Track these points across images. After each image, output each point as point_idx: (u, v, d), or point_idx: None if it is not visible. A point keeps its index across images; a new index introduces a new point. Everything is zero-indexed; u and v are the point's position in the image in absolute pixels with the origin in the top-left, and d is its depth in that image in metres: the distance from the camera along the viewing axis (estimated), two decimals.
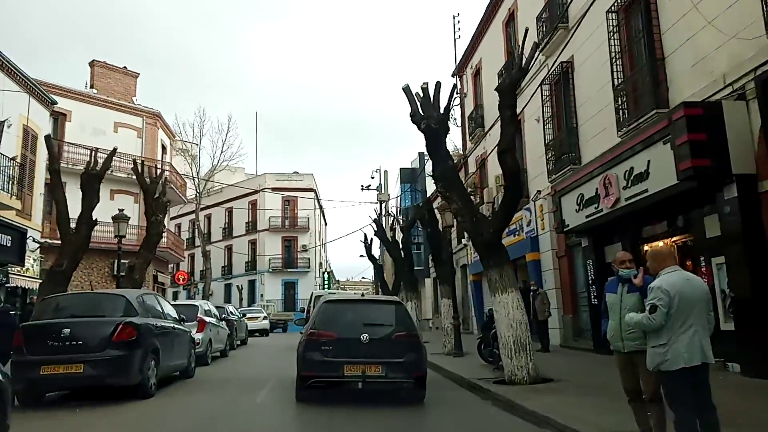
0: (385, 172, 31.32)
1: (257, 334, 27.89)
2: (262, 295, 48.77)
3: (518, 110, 18.43)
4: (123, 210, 17.15)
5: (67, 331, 7.45)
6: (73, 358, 7.35)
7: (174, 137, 33.33)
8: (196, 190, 48.92)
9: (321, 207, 57.17)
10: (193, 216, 53.66)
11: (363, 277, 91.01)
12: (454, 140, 28.83)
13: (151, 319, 8.56)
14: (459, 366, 11.81)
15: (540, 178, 16.36)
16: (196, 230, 49.93)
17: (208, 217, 55.56)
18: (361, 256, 68.13)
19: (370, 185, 29.87)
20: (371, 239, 27.06)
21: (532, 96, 14.49)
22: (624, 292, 4.91)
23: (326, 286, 52.74)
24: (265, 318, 27.03)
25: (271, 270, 48.64)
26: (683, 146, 8.52)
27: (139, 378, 7.80)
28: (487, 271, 9.65)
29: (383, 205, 29.67)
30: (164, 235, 30.15)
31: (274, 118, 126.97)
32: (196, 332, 12.26)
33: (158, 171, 18.30)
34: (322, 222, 59.51)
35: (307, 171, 51.62)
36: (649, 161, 9.57)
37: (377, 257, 28.03)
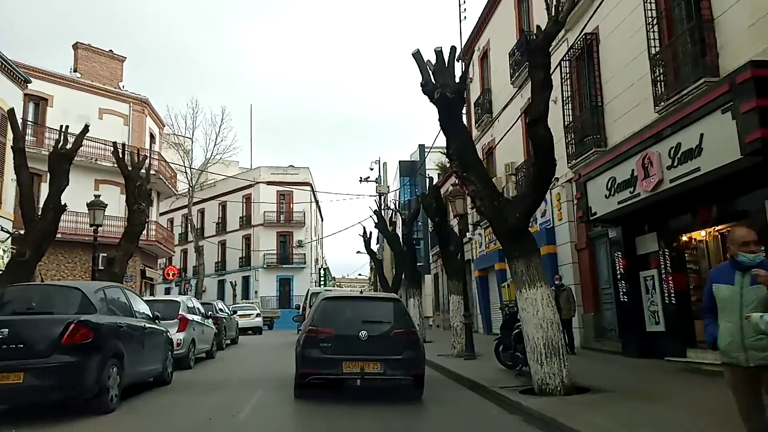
0: (384, 164, 29.99)
1: (250, 332, 26.58)
2: (256, 292, 47.36)
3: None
4: (100, 196, 15.66)
5: (5, 331, 6.02)
6: (10, 365, 5.90)
7: (163, 126, 31.84)
8: (189, 183, 47.52)
9: (317, 201, 55.75)
10: (185, 210, 52.29)
11: (360, 274, 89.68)
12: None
13: (113, 317, 7.13)
14: (473, 370, 10.45)
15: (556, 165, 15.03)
16: (189, 225, 48.47)
17: (201, 212, 54.09)
18: (358, 252, 66.51)
19: (369, 177, 28.54)
20: (370, 233, 25.71)
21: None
22: (745, 284, 3.50)
23: (322, 282, 51.35)
24: (258, 315, 25.64)
25: (265, 266, 47.21)
26: (750, 114, 7.16)
27: (95, 390, 6.36)
28: (512, 263, 8.26)
29: (383, 197, 28.30)
30: (153, 228, 28.77)
31: (270, 116, 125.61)
32: (177, 332, 10.86)
33: (142, 156, 16.82)
34: (318, 217, 58.11)
35: (303, 165, 50.36)
36: (702, 135, 8.20)
37: (376, 252, 26.61)
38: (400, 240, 21.48)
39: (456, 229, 14.88)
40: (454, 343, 13.41)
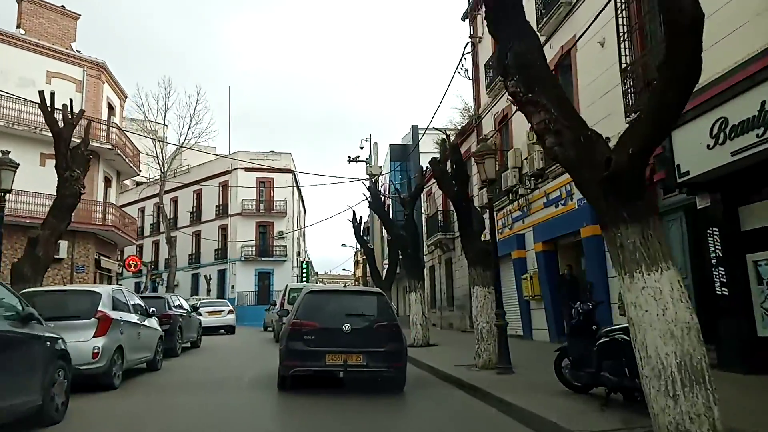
0: (375, 144, 26.69)
1: (223, 331, 23.17)
2: (233, 287, 43.85)
3: (563, 42, 13.78)
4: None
5: None
6: None
7: (125, 98, 28.15)
8: (160, 169, 43.87)
9: (299, 190, 52.25)
10: (157, 199, 48.63)
11: (344, 269, 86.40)
12: (463, 96, 24.21)
13: None
14: (523, 394, 7.21)
15: (604, 124, 11.91)
16: (160, 214, 44.77)
17: (175, 201, 50.34)
18: (344, 245, 63.04)
19: (358, 156, 25.26)
20: (361, 218, 22.46)
21: (594, 18, 9.81)
22: None
23: (304, 278, 47.96)
24: (230, 312, 22.25)
25: (243, 258, 43.68)
26: None
27: None
28: (615, 232, 5.04)
29: (374, 179, 25.07)
30: (111, 211, 25.21)
31: (251, 110, 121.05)
32: (94, 336, 7.50)
33: (76, 112, 13.32)
34: (301, 208, 54.64)
35: (285, 150, 46.83)
36: None
37: (367, 240, 23.38)
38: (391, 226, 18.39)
39: (480, 199, 11.68)
40: (478, 351, 10.21)
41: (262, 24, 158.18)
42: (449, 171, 11.17)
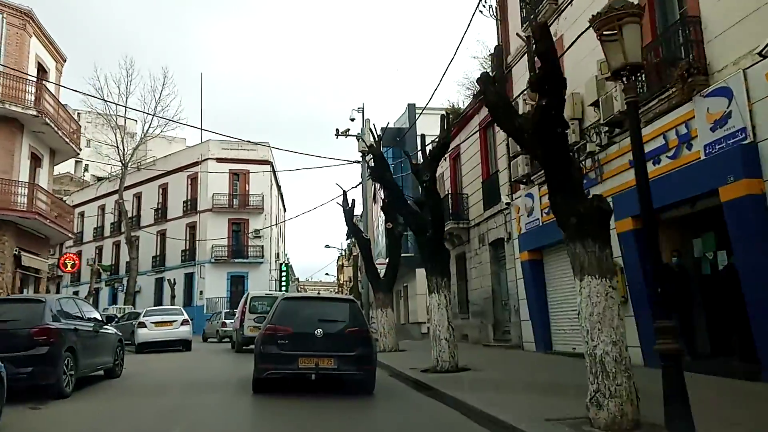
0: (368, 119, 21.98)
1: (181, 347, 17.85)
2: (201, 292, 38.77)
3: None
4: None
5: None
6: None
7: (63, 61, 23.10)
8: (121, 160, 38.81)
9: (278, 184, 47.33)
10: (118, 196, 43.61)
11: (327, 273, 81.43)
12: (482, 37, 19.88)
13: None
14: None
15: (734, 33, 7.51)
16: (119, 210, 39.61)
17: (138, 197, 45.12)
18: (327, 246, 58.30)
19: (348, 130, 20.58)
20: (353, 201, 17.83)
21: None
22: None
23: (283, 282, 43.03)
24: (185, 323, 17.18)
25: (214, 260, 38.62)
26: None
27: None
28: None
29: (367, 158, 20.44)
30: (37, 195, 20.23)
31: (226, 110, 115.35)
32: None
33: None
34: (281, 205, 49.69)
35: (263, 140, 41.82)
36: None
37: (362, 231, 18.65)
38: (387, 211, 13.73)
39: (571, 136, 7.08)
40: (597, 396, 5.46)
41: (234, 23, 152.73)
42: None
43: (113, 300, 44.66)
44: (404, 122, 31.64)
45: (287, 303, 8.74)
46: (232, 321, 27.38)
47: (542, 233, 12.85)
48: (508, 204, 14.90)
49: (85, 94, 34.27)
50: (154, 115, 32.07)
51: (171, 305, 36.85)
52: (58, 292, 53.42)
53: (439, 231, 10.90)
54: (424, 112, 23.25)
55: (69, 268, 23.12)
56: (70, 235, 22.55)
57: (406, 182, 30.42)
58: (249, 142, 41.07)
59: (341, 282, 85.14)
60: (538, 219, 13.04)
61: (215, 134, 41.00)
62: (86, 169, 65.25)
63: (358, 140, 20.71)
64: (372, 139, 20.22)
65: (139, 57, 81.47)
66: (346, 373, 8.02)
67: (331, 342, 7.91)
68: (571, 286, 11.83)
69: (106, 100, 32.64)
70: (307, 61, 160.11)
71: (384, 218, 17.38)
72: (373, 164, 11.87)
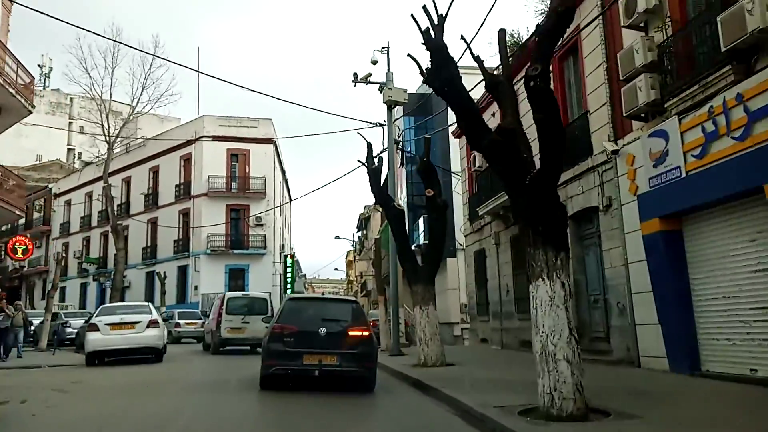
0: (391, 73, 17.27)
1: (152, 355, 13.27)
2: (196, 287, 34.33)
3: None
4: None
5: None
6: None
7: (10, 2, 18.52)
8: (107, 140, 34.45)
9: (282, 170, 42.78)
10: (103, 180, 39.35)
11: (336, 269, 76.92)
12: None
13: None
14: None
15: None
16: (105, 196, 35.25)
17: (127, 182, 40.76)
18: (337, 237, 53.64)
19: (370, 75, 15.91)
20: (379, 159, 13.22)
21: None
22: None
23: (288, 276, 38.56)
24: (154, 324, 12.48)
25: (210, 251, 34.15)
26: None
27: None
28: None
29: (393, 110, 15.85)
30: None
31: (227, 93, 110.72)
32: None
33: None
34: (285, 190, 45.13)
35: (264, 116, 36.98)
36: None
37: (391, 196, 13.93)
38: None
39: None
40: None
41: (240, 30, 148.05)
42: None
43: (101, 296, 40.24)
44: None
45: (293, 303, 9.31)
46: (187, 322, 24.15)
47: (687, 189, 8.20)
48: (612, 154, 10.21)
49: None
50: (154, 56, 27.38)
51: (160, 302, 32.55)
52: (44, 286, 49.33)
53: (555, 166, 6.20)
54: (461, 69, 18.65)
55: (19, 255, 18.63)
56: (14, 211, 17.98)
57: (433, 156, 25.76)
58: (249, 118, 36.72)
59: (351, 279, 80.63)
60: (679, 168, 8.37)
61: (213, 114, 36.17)
62: (79, 157, 61.14)
63: (382, 90, 16.07)
64: (394, 87, 15.65)
65: (129, 29, 76.39)
66: (347, 370, 8.27)
67: (334, 340, 8.22)
68: (743, 268, 7.23)
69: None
70: (311, 27, 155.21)
71: (422, 185, 12.78)
72: (431, 64, 7.22)
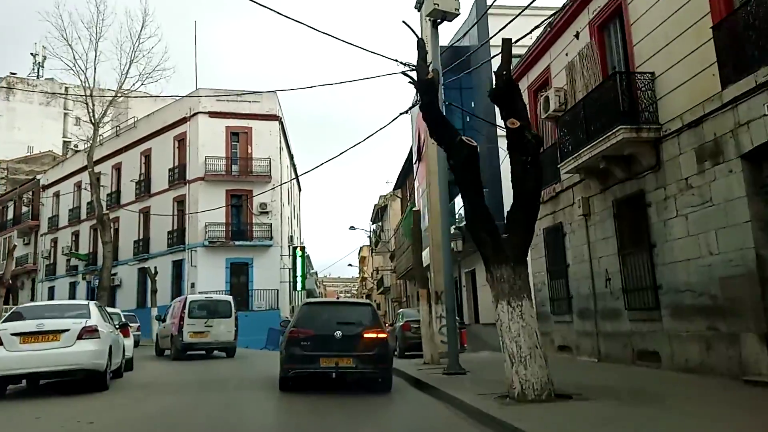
0: None
1: (91, 382, 8.81)
2: (192, 284, 29.95)
3: None
4: None
5: None
6: None
7: None
8: (91, 120, 30.33)
9: (290, 152, 38.31)
10: (96, 168, 35.27)
11: (350, 264, 72.47)
12: None
13: None
14: None
15: None
16: (90, 183, 31.09)
17: (117, 168, 36.57)
18: (352, 228, 49.08)
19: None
20: (434, 70, 8.63)
21: None
22: None
23: (299, 272, 34.15)
24: (89, 334, 8.08)
25: (208, 243, 29.80)
26: None
27: None
28: None
29: (438, 23, 11.37)
30: None
31: (229, 68, 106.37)
32: None
33: None
34: (292, 175, 40.65)
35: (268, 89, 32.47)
36: None
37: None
38: None
39: None
40: None
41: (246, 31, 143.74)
42: None
43: (91, 297, 36.00)
44: (470, 41, 22.49)
45: (309, 308, 9.56)
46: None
47: None
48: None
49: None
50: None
51: (151, 302, 28.26)
52: (33, 286, 45.41)
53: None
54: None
55: None
56: None
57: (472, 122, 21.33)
58: (251, 92, 32.29)
59: (365, 275, 76.25)
60: None
61: (211, 88, 31.78)
62: (75, 148, 57.24)
63: (420, 6, 11.57)
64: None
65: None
66: (363, 371, 8.52)
67: (349, 343, 8.40)
68: None
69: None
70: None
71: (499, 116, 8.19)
72: None
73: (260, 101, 31.81)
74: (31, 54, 66.09)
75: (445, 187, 11.48)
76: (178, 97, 32.29)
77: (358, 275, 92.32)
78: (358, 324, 8.71)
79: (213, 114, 31.00)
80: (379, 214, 51.23)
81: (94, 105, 30.56)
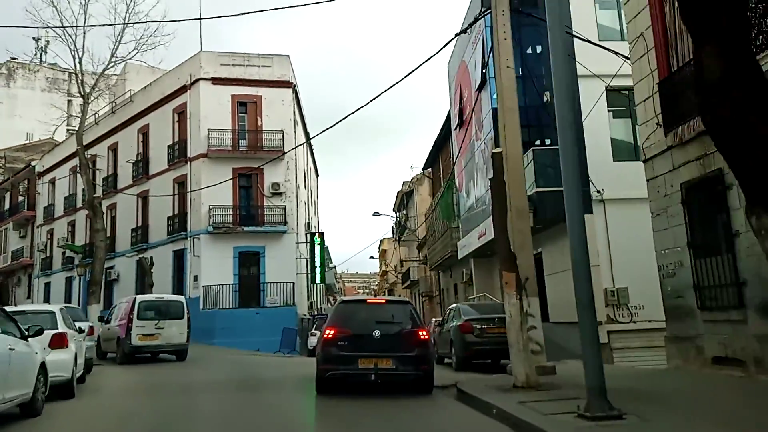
0: None
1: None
2: (195, 277, 25.96)
3: None
4: None
5: None
6: None
7: None
8: (80, 91, 26.62)
9: (303, 121, 33.98)
10: (94, 151, 32.08)
11: (371, 257, 68.31)
12: None
13: None
14: None
15: None
16: (80, 162, 27.26)
17: (113, 149, 32.72)
18: (376, 214, 44.58)
19: None
20: None
21: None
22: None
23: (317, 263, 29.97)
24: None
25: (212, 229, 25.71)
26: None
27: None
28: None
29: None
30: None
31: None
32: None
33: None
34: (308, 154, 36.36)
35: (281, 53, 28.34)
36: None
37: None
38: None
39: None
40: None
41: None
42: None
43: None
44: None
45: (345, 306, 9.27)
46: None
47: None
48: None
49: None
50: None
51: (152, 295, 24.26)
52: (29, 282, 41.95)
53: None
54: None
55: None
56: None
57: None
58: (260, 55, 28.10)
59: (386, 269, 72.09)
60: None
61: (214, 51, 27.56)
62: (70, 128, 53.70)
63: None
64: None
65: None
66: (404, 373, 8.24)
67: (389, 343, 8.15)
68: None
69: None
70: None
71: None
72: None
73: (271, 66, 27.59)
74: (33, 38, 62.70)
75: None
76: (180, 63, 28.21)
77: (378, 270, 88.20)
78: (398, 323, 8.51)
79: (216, 80, 26.86)
80: (404, 201, 46.86)
81: (83, 75, 26.70)
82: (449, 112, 25.97)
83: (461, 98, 21.47)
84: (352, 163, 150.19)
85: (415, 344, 8.23)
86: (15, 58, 59.45)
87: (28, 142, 50.96)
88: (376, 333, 8.07)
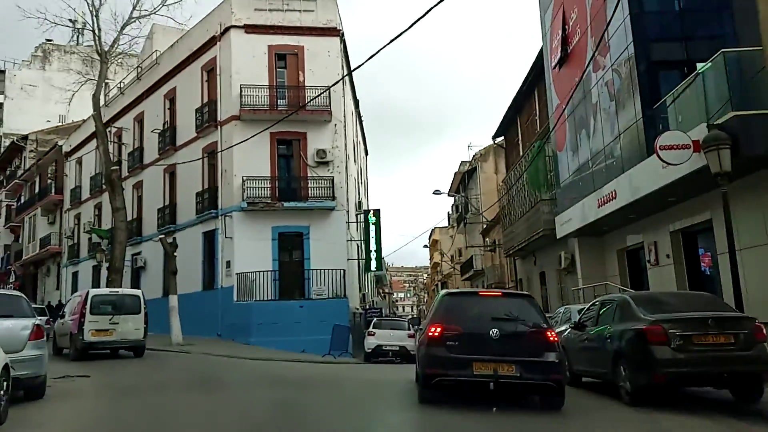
0: None
1: None
2: (228, 263, 21.67)
3: None
4: None
5: None
6: None
7: None
8: (97, 49, 23.04)
9: (351, 79, 29.25)
10: (118, 128, 28.56)
11: (425, 246, 63.48)
12: None
13: None
14: None
15: None
16: (96, 130, 23.65)
17: (139, 120, 28.88)
18: (437, 192, 38.82)
19: None
20: None
21: None
22: None
23: (373, 249, 25.35)
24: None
25: (246, 205, 21.33)
26: None
27: None
28: None
29: None
30: None
31: None
32: None
33: None
34: (357, 124, 31.62)
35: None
36: None
37: None
38: None
39: None
40: None
41: None
42: None
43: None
44: None
45: (452, 299, 7.90)
46: None
47: None
48: None
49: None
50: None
51: (169, 286, 20.12)
52: (59, 272, 39.04)
53: None
54: None
55: None
56: None
57: None
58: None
59: (438, 261, 67.13)
60: None
61: None
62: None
63: None
64: None
65: None
66: (531, 383, 6.86)
67: (510, 345, 6.86)
68: None
69: None
70: None
71: None
72: None
73: (314, 10, 22.97)
74: (70, 20, 60.21)
75: None
76: (208, 12, 23.95)
77: (429, 262, 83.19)
78: (520, 320, 7.07)
79: (250, 28, 22.45)
80: (465, 181, 41.71)
81: (99, 30, 22.97)
82: (536, 57, 20.78)
83: (564, 27, 16.30)
84: (392, 158, 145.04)
85: (544, 348, 6.91)
86: (50, 40, 56.97)
87: (60, 124, 48.36)
88: (494, 332, 6.86)
